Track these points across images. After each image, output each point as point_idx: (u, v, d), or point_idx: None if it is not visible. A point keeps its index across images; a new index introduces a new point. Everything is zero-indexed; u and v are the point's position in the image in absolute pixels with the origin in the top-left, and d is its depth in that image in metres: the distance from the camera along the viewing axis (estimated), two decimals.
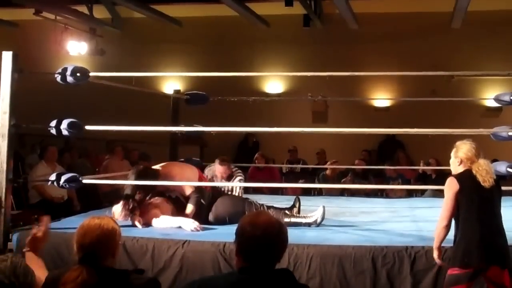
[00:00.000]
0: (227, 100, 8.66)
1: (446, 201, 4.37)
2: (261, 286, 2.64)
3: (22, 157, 10.37)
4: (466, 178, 4.38)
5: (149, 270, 4.56)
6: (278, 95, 14.14)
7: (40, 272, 3.19)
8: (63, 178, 5.60)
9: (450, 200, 4.33)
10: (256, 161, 10.56)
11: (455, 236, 4.35)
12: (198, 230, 5.36)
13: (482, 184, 4.33)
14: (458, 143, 4.57)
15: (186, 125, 7.40)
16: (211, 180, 7.27)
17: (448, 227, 4.34)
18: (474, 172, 4.38)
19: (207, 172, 7.49)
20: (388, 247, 4.64)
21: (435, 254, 4.39)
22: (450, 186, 4.37)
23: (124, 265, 4.48)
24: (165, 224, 5.47)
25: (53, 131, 5.64)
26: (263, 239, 2.67)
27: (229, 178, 7.50)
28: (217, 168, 7.45)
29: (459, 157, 4.49)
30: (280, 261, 2.71)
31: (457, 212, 4.34)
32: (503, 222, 4.38)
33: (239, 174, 7.66)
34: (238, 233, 2.74)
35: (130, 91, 7.73)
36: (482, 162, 4.42)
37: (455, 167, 4.54)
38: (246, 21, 13.31)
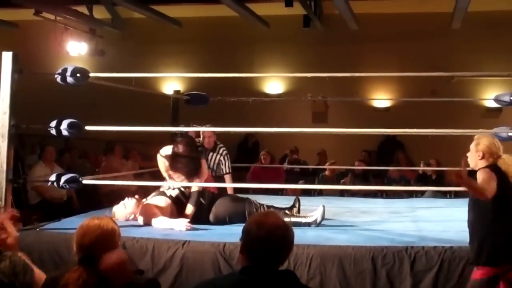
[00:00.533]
0: (227, 100, 8.66)
1: (489, 181, 4.10)
2: (262, 287, 2.65)
3: (22, 158, 10.37)
4: (500, 172, 4.20)
5: (149, 271, 4.55)
6: (278, 95, 14.15)
7: (36, 270, 3.19)
8: (63, 178, 5.60)
9: (493, 182, 4.08)
10: (262, 157, 10.57)
11: (481, 234, 4.20)
12: (189, 229, 5.34)
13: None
14: (477, 136, 4.43)
15: (185, 126, 7.43)
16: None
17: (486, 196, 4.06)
18: (502, 167, 4.24)
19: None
20: (388, 247, 4.63)
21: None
22: (489, 175, 4.13)
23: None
24: (161, 225, 5.48)
25: (53, 131, 5.63)
26: (268, 240, 2.68)
27: (214, 148, 7.69)
28: (206, 131, 7.58)
29: (480, 151, 4.33)
30: (283, 263, 2.71)
31: (485, 205, 4.14)
32: None
33: (223, 147, 7.82)
34: (244, 232, 2.75)
35: (130, 92, 7.73)
36: (506, 157, 4.28)
37: (476, 160, 4.38)
38: (246, 21, 13.32)
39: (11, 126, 5.41)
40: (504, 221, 4.18)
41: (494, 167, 4.25)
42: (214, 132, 7.72)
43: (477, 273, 4.22)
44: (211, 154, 7.72)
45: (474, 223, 4.29)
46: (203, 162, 6.42)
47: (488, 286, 4.17)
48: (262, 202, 6.10)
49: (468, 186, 4.08)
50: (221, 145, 7.86)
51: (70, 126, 5.58)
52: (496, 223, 4.19)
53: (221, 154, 7.77)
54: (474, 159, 4.40)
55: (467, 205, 4.42)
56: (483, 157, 4.33)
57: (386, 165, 10.71)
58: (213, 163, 7.69)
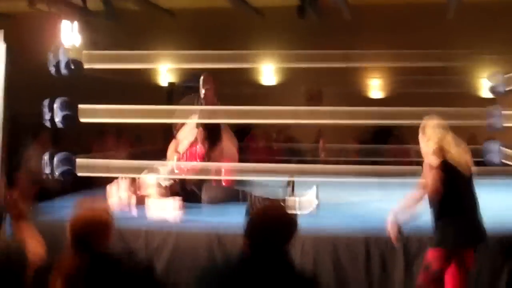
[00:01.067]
0: (220, 91, 8.65)
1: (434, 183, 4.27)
2: (259, 270, 2.68)
3: (17, 149, 10.34)
4: (447, 165, 4.32)
5: (142, 256, 4.57)
6: (273, 86, 14.14)
7: (32, 243, 3.19)
8: (56, 157, 5.56)
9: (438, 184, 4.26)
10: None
11: (439, 219, 4.33)
12: (181, 210, 5.34)
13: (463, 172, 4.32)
14: (424, 123, 4.55)
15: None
16: None
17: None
18: (450, 159, 4.33)
19: None
20: (381, 231, 4.65)
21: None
22: (436, 177, 4.28)
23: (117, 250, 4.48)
24: (153, 214, 5.45)
25: (48, 123, 5.63)
26: (270, 230, 2.72)
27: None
28: (206, 82, 7.19)
29: (431, 138, 4.44)
30: (286, 249, 2.74)
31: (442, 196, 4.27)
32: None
33: None
34: (249, 220, 2.79)
35: (125, 83, 7.72)
36: (460, 150, 4.38)
37: (426, 147, 4.47)
38: (240, 11, 13.29)
39: (5, 118, 5.42)
40: (452, 207, 4.29)
41: (443, 165, 4.32)
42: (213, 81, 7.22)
43: (431, 254, 4.29)
44: None
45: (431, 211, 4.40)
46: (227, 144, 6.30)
47: (441, 266, 4.26)
48: (256, 191, 6.10)
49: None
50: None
51: (64, 117, 5.58)
52: (445, 210, 4.30)
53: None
54: (426, 147, 4.49)
55: None
56: (433, 146, 4.40)
57: (381, 157, 10.71)
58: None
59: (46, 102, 5.57)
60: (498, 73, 6.10)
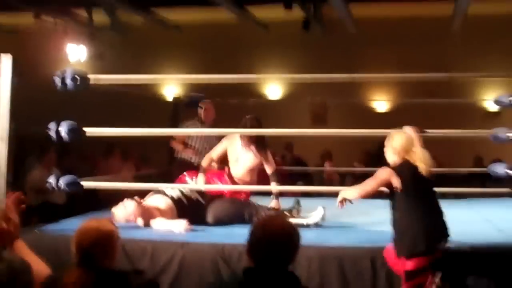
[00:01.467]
0: (226, 103, 8.67)
1: (373, 182, 4.46)
2: (264, 286, 2.67)
3: (23, 161, 10.37)
4: (409, 168, 4.42)
5: (148, 272, 4.55)
6: (278, 99, 14.16)
7: (33, 261, 3.18)
8: (62, 180, 5.60)
9: (379, 184, 4.43)
10: None
11: (398, 230, 4.41)
12: (188, 230, 5.36)
13: (422, 173, 4.40)
14: (392, 132, 4.64)
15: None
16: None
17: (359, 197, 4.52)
18: (412, 162, 4.43)
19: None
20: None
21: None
22: (380, 175, 4.44)
23: (123, 267, 4.48)
24: (159, 226, 5.48)
25: (53, 135, 5.64)
26: (273, 242, 2.71)
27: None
28: (206, 104, 7.65)
29: (393, 147, 4.52)
30: (290, 265, 2.73)
31: (400, 202, 4.39)
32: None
33: None
34: (250, 233, 2.78)
35: (130, 96, 7.75)
36: (419, 151, 4.47)
37: (390, 155, 4.57)
38: (245, 25, 13.33)
39: (10, 129, 5.43)
40: (416, 213, 4.38)
41: (403, 165, 4.43)
42: (212, 105, 7.68)
43: (408, 265, 4.31)
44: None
45: (393, 220, 4.46)
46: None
47: (419, 275, 4.29)
48: (261, 203, 6.12)
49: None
50: None
51: (69, 130, 5.59)
52: (409, 217, 4.37)
53: None
54: (389, 153, 4.56)
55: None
56: (396, 153, 4.49)
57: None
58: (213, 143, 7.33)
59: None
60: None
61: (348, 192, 4.63)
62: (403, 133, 4.65)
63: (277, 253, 2.71)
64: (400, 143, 4.50)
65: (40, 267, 3.17)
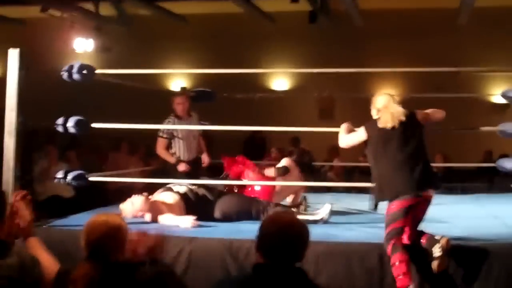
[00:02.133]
0: (233, 97, 8.67)
1: (352, 137, 4.97)
2: (271, 284, 2.67)
3: (31, 154, 10.40)
4: (375, 124, 4.82)
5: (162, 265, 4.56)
6: (285, 92, 14.15)
7: (45, 259, 3.20)
8: (70, 175, 5.62)
9: (356, 140, 4.95)
10: (272, 155, 10.57)
11: (374, 176, 4.83)
12: (194, 226, 5.37)
13: (387, 126, 4.74)
14: (374, 97, 5.04)
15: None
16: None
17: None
18: (380, 117, 4.83)
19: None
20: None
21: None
22: (358, 131, 4.94)
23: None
24: (167, 222, 5.49)
25: (60, 128, 5.66)
26: (283, 238, 2.72)
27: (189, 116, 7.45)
28: (178, 98, 7.45)
29: (376, 108, 4.93)
30: (301, 261, 2.74)
31: (370, 153, 4.85)
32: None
33: None
34: (260, 229, 2.79)
35: (137, 88, 7.76)
36: (391, 107, 4.85)
37: (374, 115, 4.97)
38: (252, 17, 13.31)
39: (18, 123, 5.45)
40: (384, 161, 4.72)
41: (373, 121, 4.88)
42: (187, 97, 7.54)
43: (389, 208, 4.63)
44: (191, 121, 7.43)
45: (372, 169, 4.88)
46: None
47: (400, 215, 4.56)
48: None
49: None
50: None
51: (76, 123, 5.61)
52: (378, 165, 4.76)
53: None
54: (374, 115, 4.97)
55: None
56: (379, 112, 4.90)
57: None
58: (195, 131, 7.49)
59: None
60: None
61: (341, 131, 5.12)
62: (383, 94, 5.08)
63: (287, 249, 2.72)
64: (376, 102, 4.95)
65: (52, 265, 3.18)
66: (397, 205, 4.58)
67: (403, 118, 4.77)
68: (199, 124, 7.46)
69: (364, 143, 4.90)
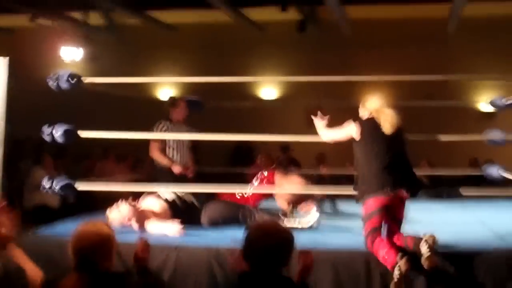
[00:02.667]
0: (222, 105, 8.68)
1: (340, 132, 5.08)
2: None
3: (17, 163, 10.37)
4: (370, 123, 4.91)
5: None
6: (273, 100, 14.16)
7: (30, 269, 3.19)
8: (57, 184, 5.60)
9: (344, 135, 5.04)
10: (258, 162, 10.57)
11: (358, 174, 4.90)
12: (181, 233, 5.36)
13: (383, 129, 4.84)
14: (366, 97, 5.18)
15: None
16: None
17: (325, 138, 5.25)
18: (375, 118, 4.92)
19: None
20: None
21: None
22: (344, 127, 5.03)
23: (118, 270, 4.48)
24: (154, 230, 5.48)
25: (47, 138, 5.64)
26: (266, 245, 2.72)
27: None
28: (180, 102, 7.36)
29: (368, 109, 5.06)
30: (285, 268, 2.74)
31: (357, 149, 4.91)
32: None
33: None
34: (245, 237, 2.79)
35: (125, 98, 7.75)
36: (384, 110, 4.95)
37: (362, 114, 5.13)
38: (241, 26, 13.34)
39: (6, 132, 5.43)
40: (368, 160, 4.81)
41: (369, 119, 4.97)
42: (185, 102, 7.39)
43: (365, 206, 4.73)
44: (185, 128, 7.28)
45: (355, 166, 4.99)
46: None
47: (378, 214, 4.67)
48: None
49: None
50: None
51: (64, 132, 5.60)
52: (364, 164, 4.84)
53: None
54: (362, 113, 5.13)
55: None
56: (367, 112, 5.06)
57: None
58: (188, 140, 7.40)
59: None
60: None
61: (321, 127, 5.35)
62: (376, 97, 5.16)
63: (272, 257, 2.73)
64: (366, 104, 5.09)
65: (34, 272, 3.17)
66: (375, 203, 4.68)
67: (399, 124, 4.90)
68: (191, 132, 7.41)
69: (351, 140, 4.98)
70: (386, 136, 4.84)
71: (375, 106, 5.02)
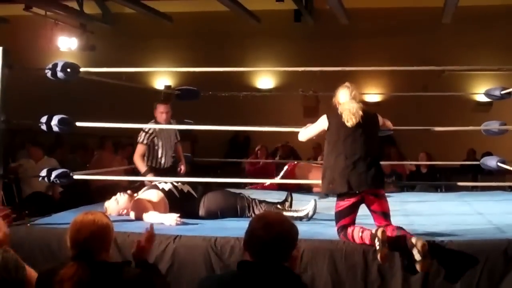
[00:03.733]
0: (218, 95, 8.67)
1: (313, 128, 5.06)
2: (257, 282, 2.67)
3: (14, 153, 10.35)
4: (334, 116, 4.90)
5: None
6: (269, 90, 14.15)
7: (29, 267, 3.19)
8: (54, 173, 5.59)
9: (316, 130, 5.03)
10: (258, 152, 10.57)
11: (323, 170, 4.92)
12: (179, 224, 5.36)
13: (346, 123, 4.79)
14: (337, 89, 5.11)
15: (177, 121, 7.38)
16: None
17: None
18: (339, 112, 4.87)
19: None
20: None
21: None
22: (316, 124, 5.03)
23: (115, 260, 4.47)
24: (151, 220, 5.48)
25: (44, 127, 5.63)
26: (270, 239, 2.72)
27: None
28: (162, 107, 7.08)
29: (336, 101, 5.04)
30: (286, 259, 2.74)
31: (326, 144, 4.94)
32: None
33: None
34: (248, 228, 2.79)
35: (121, 87, 7.72)
36: (347, 103, 4.89)
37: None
38: (237, 16, 13.31)
39: (1, 122, 5.41)
40: (333, 154, 4.84)
41: (333, 112, 4.95)
42: (171, 105, 7.17)
43: (336, 205, 4.82)
44: (170, 123, 7.17)
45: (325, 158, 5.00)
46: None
47: (342, 217, 4.76)
48: (254, 196, 6.12)
49: None
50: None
51: (60, 122, 5.58)
52: (329, 158, 4.88)
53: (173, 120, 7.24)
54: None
55: None
56: (335, 105, 5.02)
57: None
58: (174, 136, 7.36)
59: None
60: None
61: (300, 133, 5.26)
62: (343, 87, 5.08)
63: (275, 249, 2.72)
64: (337, 95, 5.05)
65: (31, 273, 3.17)
66: (344, 202, 4.76)
67: (360, 114, 4.83)
68: (177, 131, 7.39)
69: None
70: (349, 129, 4.82)
71: (340, 98, 5.01)
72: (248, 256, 2.76)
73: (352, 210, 4.77)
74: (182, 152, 7.71)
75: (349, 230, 4.65)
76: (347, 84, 5.11)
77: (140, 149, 7.03)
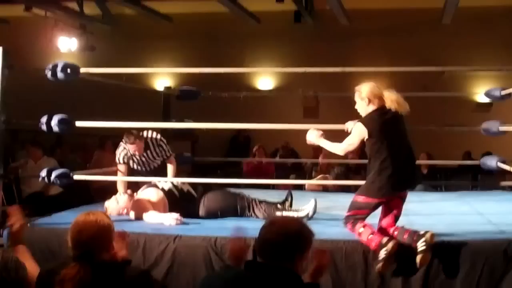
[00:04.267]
0: (218, 96, 8.67)
1: (352, 140, 4.70)
2: (258, 282, 2.68)
3: (14, 153, 10.36)
4: (382, 115, 4.60)
5: (140, 265, 4.55)
6: (269, 91, 14.16)
7: (31, 266, 3.19)
8: (54, 173, 5.60)
9: (358, 140, 4.65)
10: (256, 153, 10.58)
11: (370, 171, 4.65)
12: (179, 223, 5.35)
13: (400, 113, 4.59)
14: (357, 86, 4.78)
15: (177, 121, 7.39)
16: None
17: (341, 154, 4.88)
18: (387, 106, 4.60)
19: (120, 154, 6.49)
20: None
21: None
22: (356, 133, 4.66)
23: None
24: (151, 220, 5.48)
25: (44, 127, 5.63)
26: (286, 244, 2.73)
27: (146, 148, 6.48)
28: (133, 145, 6.29)
29: (366, 97, 4.67)
30: (296, 262, 2.75)
31: (368, 149, 4.64)
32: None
33: (152, 137, 6.55)
34: (261, 233, 2.84)
35: (121, 87, 7.73)
36: (388, 94, 4.64)
37: (365, 108, 4.70)
38: (237, 17, 13.31)
39: (1, 122, 5.42)
40: (379, 159, 4.57)
41: (379, 111, 4.62)
42: (139, 139, 6.35)
43: (359, 198, 4.66)
44: (146, 154, 6.50)
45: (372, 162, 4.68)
46: None
47: (369, 208, 4.62)
48: (254, 196, 6.12)
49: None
50: (150, 136, 6.55)
51: (60, 122, 5.59)
52: (373, 162, 4.62)
53: (157, 145, 6.51)
54: (363, 107, 4.72)
55: None
56: (370, 102, 4.66)
57: None
58: (153, 156, 6.53)
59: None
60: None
61: (326, 143, 4.95)
62: (369, 82, 4.77)
63: (286, 255, 2.74)
64: (368, 90, 4.68)
65: (34, 269, 3.18)
66: (373, 200, 4.62)
67: (407, 108, 4.68)
68: (156, 148, 6.61)
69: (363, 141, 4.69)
70: (395, 127, 4.63)
71: (375, 91, 4.69)
72: (257, 257, 2.80)
73: (375, 208, 4.66)
74: (174, 171, 6.68)
75: (359, 225, 4.57)
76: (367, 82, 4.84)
77: (118, 168, 6.48)
